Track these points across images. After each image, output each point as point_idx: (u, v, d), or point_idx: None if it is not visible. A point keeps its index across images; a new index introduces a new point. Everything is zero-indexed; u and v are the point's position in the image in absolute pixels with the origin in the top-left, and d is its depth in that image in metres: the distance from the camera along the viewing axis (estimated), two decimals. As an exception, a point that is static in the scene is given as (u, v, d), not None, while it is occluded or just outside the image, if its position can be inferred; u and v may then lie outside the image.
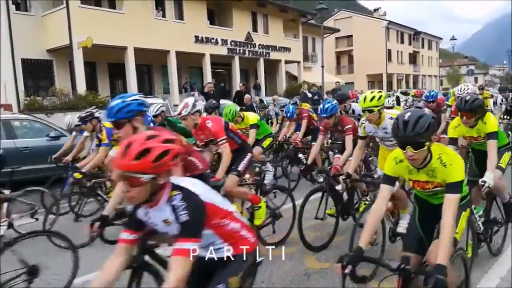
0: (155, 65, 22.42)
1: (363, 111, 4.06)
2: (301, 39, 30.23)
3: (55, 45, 17.94)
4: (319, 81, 23.58)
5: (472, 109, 3.66)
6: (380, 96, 3.98)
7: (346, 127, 5.09)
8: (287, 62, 28.22)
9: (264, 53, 26.19)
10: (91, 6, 18.52)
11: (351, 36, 45.90)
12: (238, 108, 6.47)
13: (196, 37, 21.91)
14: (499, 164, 3.88)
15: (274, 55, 26.83)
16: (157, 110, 6.54)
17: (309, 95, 16.11)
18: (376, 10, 51.55)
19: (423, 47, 54.42)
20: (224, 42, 23.51)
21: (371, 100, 3.95)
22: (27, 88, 17.76)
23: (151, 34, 19.19)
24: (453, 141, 3.98)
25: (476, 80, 56.63)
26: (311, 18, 30.00)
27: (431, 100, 7.49)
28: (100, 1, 20.16)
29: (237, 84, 24.40)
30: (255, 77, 26.58)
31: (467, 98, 3.71)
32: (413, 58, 51.62)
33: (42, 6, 18.25)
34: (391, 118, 3.95)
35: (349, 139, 4.97)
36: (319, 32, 27.05)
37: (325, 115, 5.18)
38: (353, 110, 7.47)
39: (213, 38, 22.84)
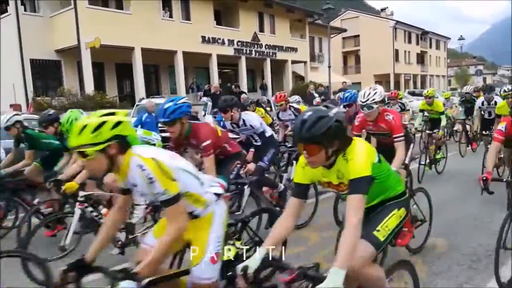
0: (162, 65, 22.51)
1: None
2: (308, 39, 30.17)
3: (63, 46, 18.11)
4: (326, 81, 23.52)
5: (313, 138, 1.98)
6: (102, 125, 2.03)
7: (204, 143, 3.58)
8: (293, 62, 28.17)
9: (271, 53, 26.18)
10: (98, 7, 18.64)
11: (358, 36, 45.71)
12: (82, 115, 4.63)
13: (203, 37, 21.96)
14: (375, 233, 2.22)
15: (280, 55, 26.81)
16: (8, 120, 5.04)
17: (316, 95, 16.08)
18: (383, 9, 51.27)
19: (431, 47, 54.03)
20: (231, 42, 23.54)
21: (80, 132, 2.01)
22: (35, 89, 17.93)
23: (158, 34, 19.27)
24: (300, 191, 2.26)
25: (484, 80, 56.12)
26: (317, 18, 29.93)
27: (347, 103, 5.57)
28: (108, 2, 20.29)
29: (244, 84, 24.45)
30: (261, 77, 26.59)
31: (305, 116, 2.03)
32: (421, 58, 51.27)
33: (50, 7, 18.41)
34: (140, 166, 2.06)
35: (209, 161, 3.56)
36: (325, 32, 27.00)
37: (164, 121, 3.44)
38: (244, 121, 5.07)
39: (219, 39, 22.88)
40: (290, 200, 2.29)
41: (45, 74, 18.64)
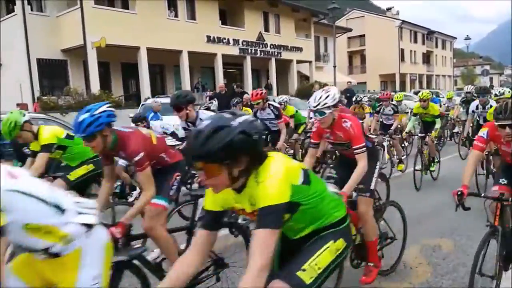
0: (168, 65, 22.57)
1: None
2: (313, 38, 30.12)
3: (70, 45, 18.21)
4: (331, 81, 23.46)
5: (209, 155, 1.55)
6: None
7: (136, 158, 2.94)
8: (298, 62, 28.13)
9: (276, 53, 26.15)
10: (104, 6, 18.73)
11: (364, 35, 45.57)
12: (24, 118, 4.18)
13: (208, 37, 21.99)
14: (298, 274, 1.73)
15: (285, 55, 26.77)
16: None
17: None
18: (389, 9, 51.10)
19: (437, 46, 53.74)
20: (236, 42, 23.55)
21: None
22: (42, 88, 18.06)
23: (163, 34, 19.32)
24: (210, 220, 1.83)
25: (491, 80, 55.69)
26: (323, 17, 29.86)
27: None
28: (113, 2, 20.38)
29: (249, 84, 24.45)
30: (266, 77, 26.58)
31: (201, 126, 1.63)
32: (427, 58, 51.00)
33: (57, 6, 18.53)
34: None
35: (144, 176, 3.00)
36: (331, 32, 26.94)
37: (82, 136, 2.82)
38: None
39: (225, 38, 22.90)
40: (198, 232, 1.84)
41: (52, 74, 18.75)
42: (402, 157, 8.20)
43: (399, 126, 8.78)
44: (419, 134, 7.49)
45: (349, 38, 44.35)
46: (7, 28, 18.54)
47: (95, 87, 17.61)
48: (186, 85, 21.39)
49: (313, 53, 29.58)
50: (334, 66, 23.95)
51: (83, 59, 17.95)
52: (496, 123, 2.98)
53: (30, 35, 17.40)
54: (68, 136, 4.45)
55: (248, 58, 24.42)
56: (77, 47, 17.69)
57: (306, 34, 29.47)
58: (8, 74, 18.93)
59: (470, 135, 7.13)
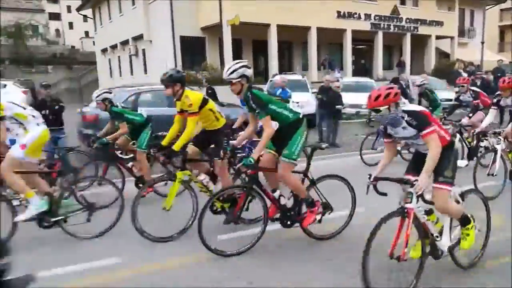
0: (296, 42, 22.68)
1: None
2: (457, 11, 26.93)
3: (208, 23, 19.55)
4: (476, 59, 20.86)
5: None
6: None
7: None
8: (438, 37, 25.61)
9: (412, 28, 24.19)
10: (240, -14, 19.47)
11: (522, 6, 39.12)
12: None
13: (339, 12, 21.37)
14: None
15: (423, 30, 24.60)
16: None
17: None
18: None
19: None
20: (368, 16, 22.43)
21: None
22: (184, 63, 19.86)
23: (293, 11, 19.38)
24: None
25: None
26: (471, -14, 26.42)
27: None
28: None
29: (379, 62, 23.16)
30: (399, 54, 24.90)
31: None
32: None
33: (199, -13, 19.93)
34: None
35: None
36: (479, 3, 23.69)
37: None
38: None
39: (355, 13, 21.99)
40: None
41: (192, 50, 20.45)
42: None
43: None
44: None
45: (501, 10, 38.54)
46: (156, 10, 20.72)
47: (229, 62, 18.62)
48: (313, 62, 21.29)
49: (456, 28, 26.54)
50: (482, 43, 21.20)
51: (219, 36, 19.13)
52: None
53: (175, 15, 19.16)
54: None
55: (380, 34, 23.12)
56: (214, 25, 18.88)
57: (449, 6, 26.47)
58: (156, 50, 21.28)
59: None
